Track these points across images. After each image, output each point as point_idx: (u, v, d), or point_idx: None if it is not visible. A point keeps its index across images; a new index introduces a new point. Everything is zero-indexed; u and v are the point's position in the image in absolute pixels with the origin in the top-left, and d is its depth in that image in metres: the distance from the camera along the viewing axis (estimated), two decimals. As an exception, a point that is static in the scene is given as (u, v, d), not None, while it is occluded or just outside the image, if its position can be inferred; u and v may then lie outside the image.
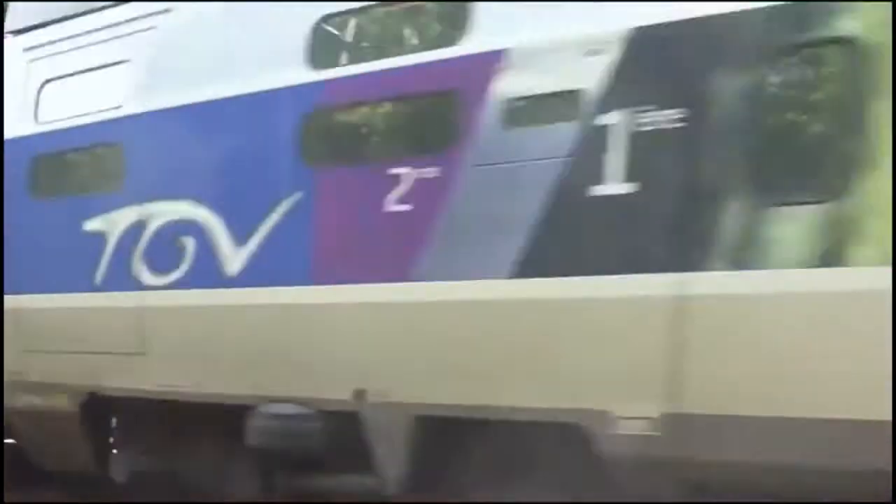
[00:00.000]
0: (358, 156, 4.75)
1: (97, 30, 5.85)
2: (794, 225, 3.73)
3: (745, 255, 3.81)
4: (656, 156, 3.97)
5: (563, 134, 4.22)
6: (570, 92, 4.20)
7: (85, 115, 5.75)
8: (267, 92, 4.90)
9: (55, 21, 6.23)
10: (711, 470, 3.99)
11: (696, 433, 4.00)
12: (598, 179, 4.11)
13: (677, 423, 4.00)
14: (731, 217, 3.83)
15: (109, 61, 5.65)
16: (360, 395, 4.68)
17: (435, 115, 4.54)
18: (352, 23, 4.87)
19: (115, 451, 5.70)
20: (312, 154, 4.82)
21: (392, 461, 4.67)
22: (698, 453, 3.95)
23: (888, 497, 3.64)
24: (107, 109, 5.64)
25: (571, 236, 4.19)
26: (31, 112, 6.23)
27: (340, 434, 4.82)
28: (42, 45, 6.28)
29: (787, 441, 3.71)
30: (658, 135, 3.97)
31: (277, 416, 4.98)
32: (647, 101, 4.01)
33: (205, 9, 5.49)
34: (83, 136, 5.71)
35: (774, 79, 3.78)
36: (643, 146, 3.98)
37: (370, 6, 4.80)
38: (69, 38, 5.97)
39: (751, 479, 3.88)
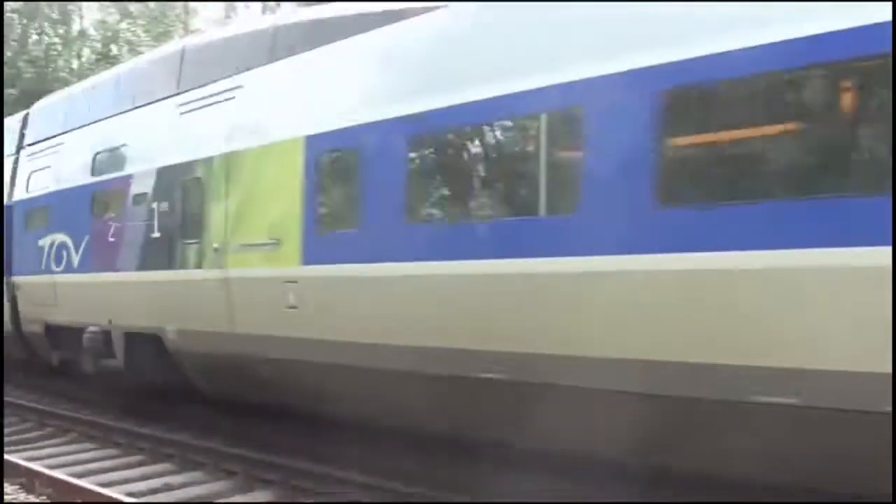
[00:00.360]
0: (102, 214, 10.74)
1: (46, 149, 12.46)
2: (191, 251, 9.15)
3: (177, 263, 9.41)
4: (166, 222, 9.60)
5: (145, 210, 9.83)
6: (144, 193, 9.85)
7: (41, 190, 12.26)
8: (81, 186, 11.16)
9: (32, 144, 12.90)
10: (197, 357, 9.44)
11: (189, 339, 9.29)
12: (153, 230, 9.74)
13: (192, 337, 9.28)
14: (179, 247, 9.38)
15: (48, 165, 12.09)
16: (110, 321, 10.38)
17: (117, 200, 10.41)
18: (107, 154, 10.73)
19: (56, 349, 11.96)
20: (93, 211, 10.95)
21: (119, 352, 10.46)
22: (189, 349, 9.39)
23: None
24: (46, 188, 12.08)
25: (147, 254, 9.88)
26: (22, 188, 12.96)
27: (107, 339, 10.57)
28: (30, 155, 13.05)
29: (223, 342, 8.91)
30: (165, 213, 9.59)
31: (90, 332, 10.80)
32: (161, 199, 9.63)
33: (72, 142, 11.88)
34: (40, 201, 12.31)
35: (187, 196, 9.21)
36: (161, 218, 9.64)
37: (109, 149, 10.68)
38: (36, 152, 12.69)
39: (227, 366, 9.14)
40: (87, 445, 9.65)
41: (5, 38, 40.65)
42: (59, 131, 12.39)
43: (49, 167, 12.31)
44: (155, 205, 9.75)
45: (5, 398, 11.81)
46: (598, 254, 5.61)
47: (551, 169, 6.05)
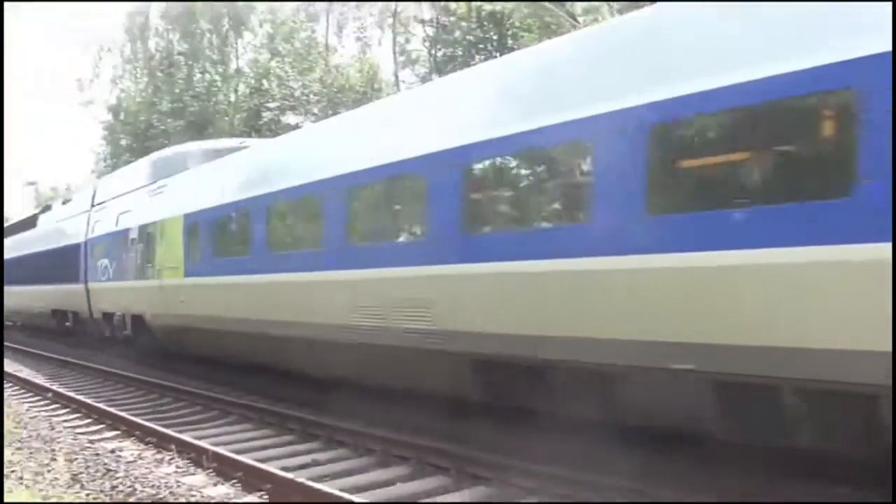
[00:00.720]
0: (119, 248, 18.04)
1: (101, 209, 19.99)
2: (150, 269, 16.50)
3: (147, 276, 16.54)
4: (142, 254, 16.80)
5: (135, 247, 17.22)
6: (134, 238, 17.26)
7: (99, 233, 19.84)
8: (112, 232, 18.60)
9: (97, 204, 20.50)
10: (158, 328, 16.53)
11: (154, 318, 16.69)
12: (137, 258, 16.92)
13: (155, 316, 16.73)
14: (147, 267, 16.61)
15: (101, 219, 19.80)
16: (125, 309, 17.98)
17: (124, 241, 17.71)
18: (121, 215, 18.31)
19: (107, 326, 19.31)
20: (116, 246, 18.41)
21: (128, 326, 17.83)
22: (155, 323, 16.71)
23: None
24: (100, 232, 19.70)
25: (136, 271, 17.01)
26: (91, 231, 20.49)
27: (124, 319, 18.02)
28: (95, 211, 20.64)
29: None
30: (141, 249, 16.91)
31: (117, 315, 18.38)
32: (140, 242, 16.95)
33: (111, 206, 19.33)
34: (98, 240, 19.85)
35: (149, 240, 16.87)
36: (140, 252, 16.95)
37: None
38: (98, 210, 20.39)
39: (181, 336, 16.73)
40: (246, 426, 10.42)
41: (173, 77, 42.92)
42: (107, 199, 19.81)
43: (101, 221, 19.72)
44: (139, 245, 16.86)
45: (177, 385, 13.85)
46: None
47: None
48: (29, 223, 27.38)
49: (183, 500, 6.79)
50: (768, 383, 5.66)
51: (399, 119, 9.65)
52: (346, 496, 6.32)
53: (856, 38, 5.14)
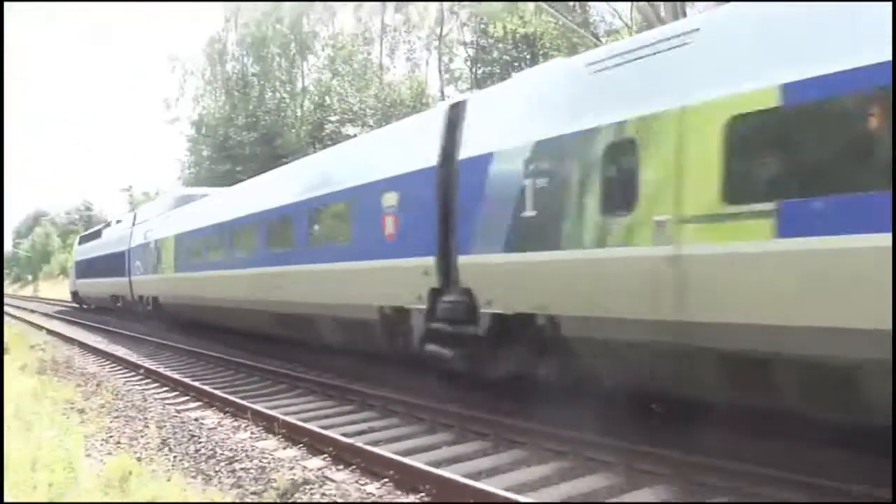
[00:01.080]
0: (144, 253, 25.41)
1: (138, 227, 27.87)
2: (161, 266, 24.65)
3: (159, 271, 24.60)
4: (158, 258, 24.41)
5: (153, 253, 24.81)
6: (153, 248, 24.77)
7: (137, 243, 27.37)
8: (142, 243, 25.97)
9: (136, 224, 28.43)
10: (167, 306, 24.37)
11: (165, 298, 24.38)
12: (154, 260, 24.92)
13: (163, 297, 24.77)
14: (159, 265, 24.53)
15: (139, 234, 27.81)
16: (157, 294, 26.16)
17: (149, 249, 25.58)
18: (150, 231, 26.57)
19: (141, 305, 27.48)
20: (143, 252, 25.63)
21: (150, 305, 26.12)
22: (165, 302, 24.79)
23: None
24: (138, 243, 27.73)
25: (154, 267, 25.10)
26: (132, 242, 28.40)
27: (149, 299, 26.94)
28: (137, 227, 28.66)
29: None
30: (157, 255, 24.63)
31: (144, 298, 26.44)
32: (155, 250, 24.39)
33: (145, 225, 27.12)
34: (136, 248, 27.33)
35: (159, 249, 25.75)
36: (157, 257, 24.79)
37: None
38: (137, 226, 28.50)
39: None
40: (310, 398, 10.89)
41: (248, 96, 43.47)
42: (141, 221, 27.27)
43: (137, 235, 26.83)
44: (154, 252, 24.21)
45: (250, 362, 14.03)
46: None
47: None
48: (96, 234, 35.39)
49: (256, 461, 6.96)
50: (351, 320, 10.77)
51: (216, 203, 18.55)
52: (513, 496, 5.59)
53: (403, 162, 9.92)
